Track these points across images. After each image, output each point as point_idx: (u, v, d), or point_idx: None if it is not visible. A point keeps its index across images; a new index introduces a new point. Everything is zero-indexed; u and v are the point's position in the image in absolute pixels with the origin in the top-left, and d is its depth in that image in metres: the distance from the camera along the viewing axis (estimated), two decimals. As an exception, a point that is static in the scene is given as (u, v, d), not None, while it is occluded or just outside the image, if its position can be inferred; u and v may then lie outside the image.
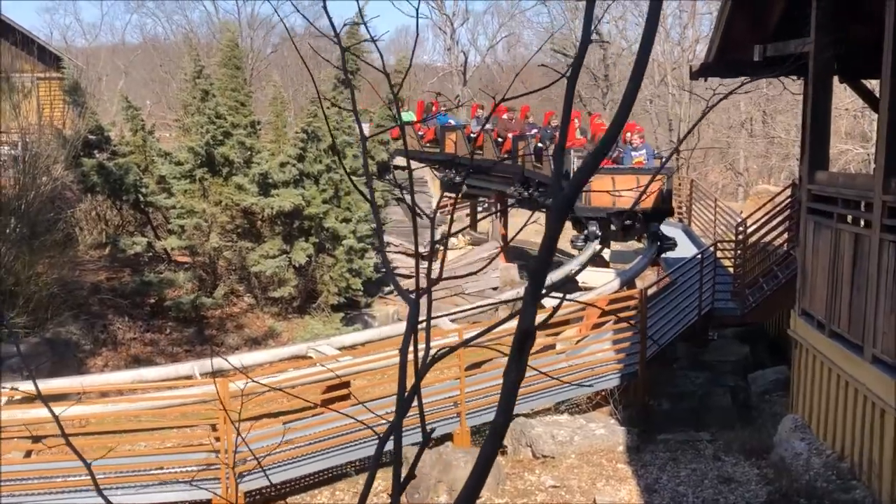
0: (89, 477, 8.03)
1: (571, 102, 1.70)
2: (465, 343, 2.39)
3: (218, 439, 10.13)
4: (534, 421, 11.71)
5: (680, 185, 23.61)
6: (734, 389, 13.06)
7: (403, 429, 8.04)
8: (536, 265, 1.70)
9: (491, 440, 1.71)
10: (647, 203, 17.25)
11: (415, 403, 1.90)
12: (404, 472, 2.09)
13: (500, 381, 7.66)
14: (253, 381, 2.80)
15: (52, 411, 2.59)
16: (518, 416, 11.79)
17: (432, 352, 2.21)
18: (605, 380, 12.54)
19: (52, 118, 20.35)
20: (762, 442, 11.03)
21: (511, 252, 24.05)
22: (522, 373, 1.69)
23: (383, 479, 11.03)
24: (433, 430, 1.95)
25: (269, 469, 10.08)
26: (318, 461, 10.61)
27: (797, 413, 10.22)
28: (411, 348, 2.03)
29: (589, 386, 12.24)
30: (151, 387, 11.14)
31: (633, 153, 17.83)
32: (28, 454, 10.67)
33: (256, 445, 9.97)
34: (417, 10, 2.37)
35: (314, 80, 2.68)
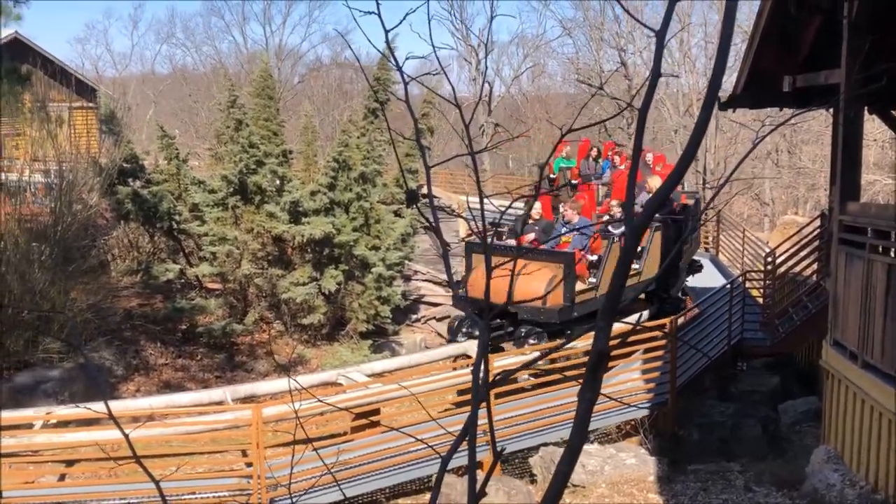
0: (123, 502, 8.12)
1: (643, 133, 1.79)
2: (526, 366, 2.47)
3: (250, 464, 10.20)
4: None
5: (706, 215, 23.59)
6: (764, 420, 12.98)
7: (435, 456, 7.98)
8: (611, 288, 1.80)
9: (567, 459, 1.79)
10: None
11: (483, 422, 1.98)
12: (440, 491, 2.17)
13: (523, 410, 7.72)
14: (319, 399, 2.89)
15: (123, 432, 2.70)
16: (547, 444, 11.80)
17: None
18: (636, 409, 12.52)
19: (88, 147, 20.68)
20: (794, 473, 10.97)
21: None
22: (597, 393, 1.78)
23: (414, 506, 11.09)
24: (503, 448, 2.03)
25: (300, 495, 10.13)
26: (349, 488, 10.63)
27: (829, 444, 10.17)
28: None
29: (629, 410, 12.32)
30: (184, 412, 11.25)
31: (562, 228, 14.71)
32: (62, 478, 10.78)
33: (285, 472, 10.02)
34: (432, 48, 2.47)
35: (384, 112, 2.80)
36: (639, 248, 14.82)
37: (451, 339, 14.54)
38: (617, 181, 16.69)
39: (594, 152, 17.83)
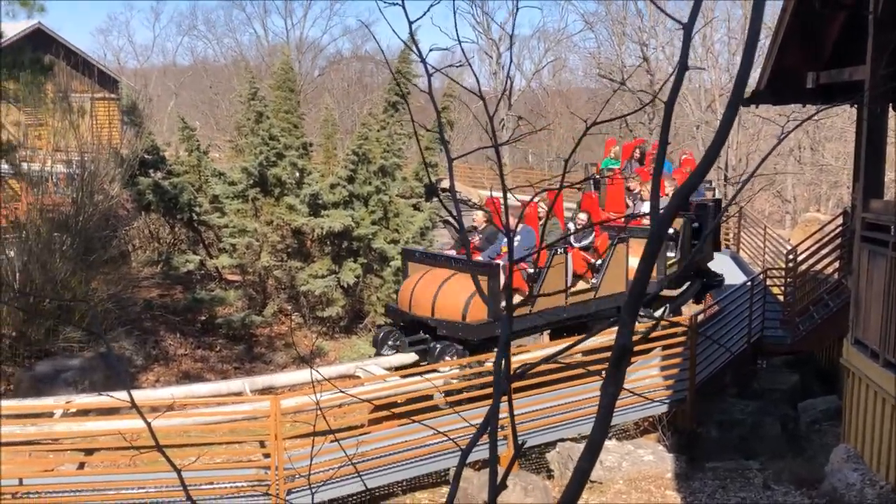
0: (142, 490, 8.17)
1: (669, 127, 1.78)
2: (547, 359, 2.46)
3: (267, 455, 10.24)
4: (581, 445, 11.67)
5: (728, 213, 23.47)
6: (784, 418, 12.92)
7: (453, 450, 8.00)
8: (635, 283, 1.78)
9: (587, 455, 1.78)
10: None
11: (505, 415, 1.98)
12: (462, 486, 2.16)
13: (541, 405, 7.64)
14: (341, 390, 2.89)
15: (146, 420, 2.70)
16: (565, 440, 11.79)
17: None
18: (654, 406, 12.48)
19: (110, 138, 20.80)
20: (813, 472, 10.91)
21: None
22: (620, 388, 1.76)
23: (429, 499, 11.10)
24: (524, 441, 2.02)
25: (319, 486, 10.15)
26: (365, 480, 10.64)
27: (849, 443, 10.11)
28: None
29: (648, 406, 12.26)
30: (203, 402, 11.29)
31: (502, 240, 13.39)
32: (81, 466, 10.86)
33: (302, 464, 10.05)
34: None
35: (408, 104, 2.79)
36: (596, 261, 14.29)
37: (378, 352, 13.22)
38: (609, 190, 15.86)
39: (637, 153, 17.30)
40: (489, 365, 11.96)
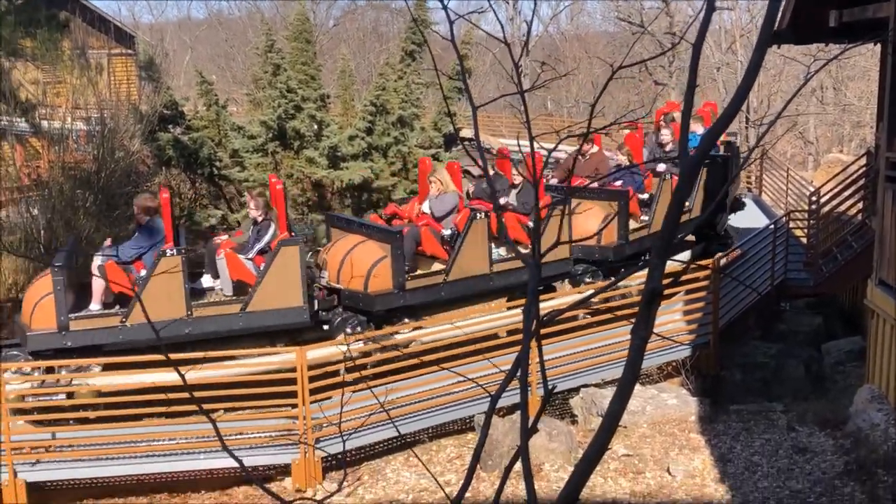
0: (172, 442, 8.31)
1: (697, 68, 1.78)
2: (575, 306, 2.48)
3: (295, 406, 10.38)
4: (605, 391, 11.76)
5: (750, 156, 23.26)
6: (807, 360, 12.95)
7: (479, 397, 8.06)
8: (665, 226, 1.80)
9: (618, 398, 1.81)
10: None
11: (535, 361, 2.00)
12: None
13: (564, 351, 7.62)
14: (370, 339, 2.92)
15: (180, 373, 2.76)
16: (588, 386, 11.87)
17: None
18: (677, 350, 12.52)
19: (129, 94, 20.81)
20: (837, 413, 10.96)
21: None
22: (650, 331, 1.78)
23: (455, 446, 11.22)
24: (554, 386, 2.06)
25: (348, 434, 10.28)
26: (392, 429, 10.75)
27: (874, 384, 10.13)
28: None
29: (671, 350, 12.33)
30: (231, 354, 11.40)
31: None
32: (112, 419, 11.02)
33: (327, 413, 10.18)
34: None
35: (430, 51, 2.78)
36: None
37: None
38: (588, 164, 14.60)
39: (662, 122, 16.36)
40: (395, 339, 11.69)
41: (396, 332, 11.67)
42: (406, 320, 11.92)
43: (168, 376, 10.25)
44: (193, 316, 10.99)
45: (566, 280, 13.36)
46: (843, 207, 15.13)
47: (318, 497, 8.73)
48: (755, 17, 38.07)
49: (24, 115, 18.32)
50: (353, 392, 10.11)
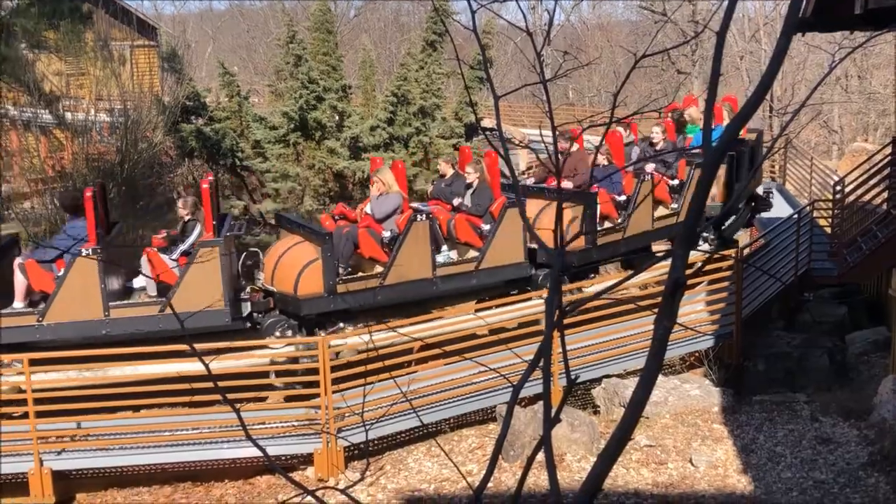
0: (196, 431, 8.36)
1: (721, 56, 1.76)
2: (597, 296, 2.48)
3: (317, 395, 10.42)
4: (627, 381, 11.75)
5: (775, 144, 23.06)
6: (831, 350, 12.87)
7: (500, 387, 8.04)
8: (689, 216, 1.79)
9: (642, 387, 1.80)
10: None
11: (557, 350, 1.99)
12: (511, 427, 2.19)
13: (586, 342, 7.55)
14: (394, 329, 2.93)
15: (204, 363, 2.76)
16: (610, 376, 11.85)
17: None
18: (700, 341, 12.47)
19: (151, 85, 20.92)
20: (861, 403, 10.90)
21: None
22: (673, 321, 1.78)
23: (476, 436, 11.24)
24: (577, 376, 2.05)
25: (370, 424, 10.32)
26: (414, 419, 10.79)
27: (899, 374, 10.06)
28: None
29: (694, 340, 12.27)
30: (254, 345, 11.46)
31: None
32: (137, 409, 11.11)
33: (350, 403, 10.22)
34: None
35: (452, 40, 2.78)
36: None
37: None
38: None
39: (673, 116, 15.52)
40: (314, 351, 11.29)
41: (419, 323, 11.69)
42: (342, 325, 11.59)
43: (192, 366, 10.35)
44: (111, 317, 10.81)
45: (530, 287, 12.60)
46: (867, 197, 14.99)
47: (341, 486, 8.77)
48: (779, 4, 37.75)
49: (47, 107, 18.47)
50: (377, 382, 10.14)
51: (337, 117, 18.72)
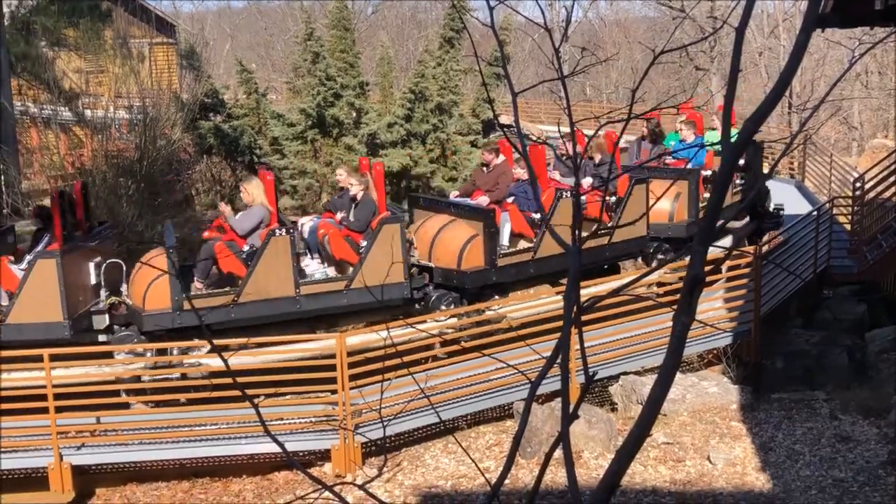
0: (214, 427, 8.39)
1: (740, 53, 1.76)
2: (615, 292, 2.47)
3: (334, 392, 10.45)
4: (645, 378, 11.71)
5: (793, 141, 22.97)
6: (850, 348, 12.78)
7: (517, 384, 8.01)
8: (707, 212, 1.78)
9: (660, 384, 1.80)
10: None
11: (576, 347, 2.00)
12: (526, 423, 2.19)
13: (605, 338, 7.50)
14: (412, 325, 2.94)
15: (224, 360, 2.78)
16: (628, 374, 11.82)
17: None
18: (718, 338, 12.42)
19: (170, 83, 21.03)
20: (881, 401, 10.84)
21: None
22: (692, 318, 1.77)
23: (493, 433, 11.24)
24: (595, 372, 2.05)
25: (388, 420, 10.32)
26: (431, 415, 10.78)
27: (919, 372, 10.00)
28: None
29: (712, 338, 12.18)
30: (272, 341, 11.50)
31: None
32: (156, 404, 11.19)
33: (366, 400, 10.22)
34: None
35: (471, 36, 2.79)
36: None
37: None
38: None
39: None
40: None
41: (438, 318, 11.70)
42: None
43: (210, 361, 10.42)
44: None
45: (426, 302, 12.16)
46: (888, 193, 14.89)
47: (358, 482, 8.80)
48: (798, 0, 37.52)
49: (67, 104, 18.61)
50: (394, 378, 10.15)
51: (354, 114, 18.75)
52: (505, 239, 12.36)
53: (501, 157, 13.01)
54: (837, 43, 31.64)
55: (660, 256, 13.41)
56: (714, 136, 14.72)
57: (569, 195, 11.74)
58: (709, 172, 14.07)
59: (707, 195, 13.71)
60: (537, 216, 12.40)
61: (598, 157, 13.33)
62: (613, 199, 12.96)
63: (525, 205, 12.55)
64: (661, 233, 13.49)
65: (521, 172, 12.61)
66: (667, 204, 13.35)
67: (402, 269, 11.56)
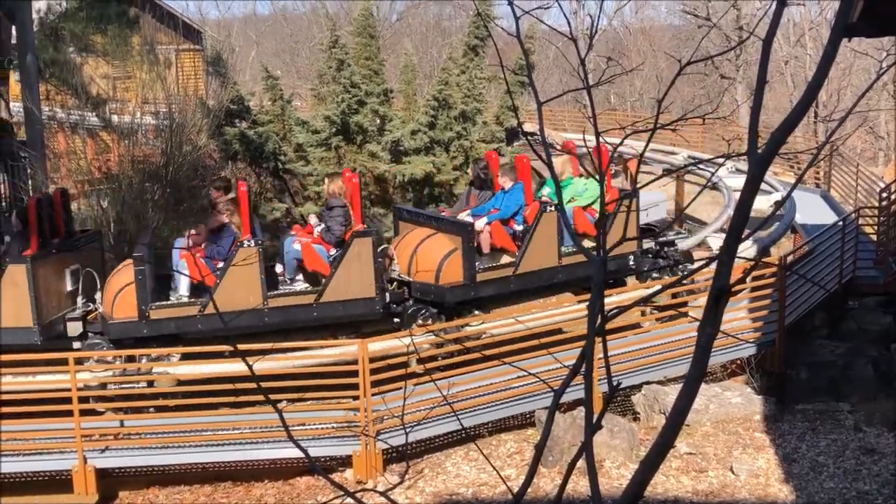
0: (237, 431, 8.41)
1: (767, 64, 1.76)
2: (641, 301, 2.48)
3: (356, 398, 10.47)
4: (668, 388, 11.66)
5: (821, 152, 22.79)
6: (876, 359, 12.65)
7: (540, 392, 7.99)
8: (733, 223, 1.79)
9: (685, 395, 1.80)
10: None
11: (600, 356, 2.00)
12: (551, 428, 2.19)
13: (627, 347, 7.49)
14: (434, 333, 2.95)
15: (248, 364, 2.80)
16: (650, 383, 11.77)
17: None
18: (742, 348, 12.35)
19: (196, 89, 21.17)
20: (907, 414, 10.73)
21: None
22: (717, 328, 1.78)
23: (515, 441, 11.22)
24: (619, 382, 2.06)
25: (411, 427, 10.33)
26: (453, 422, 10.77)
27: (946, 385, 9.89)
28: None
29: (735, 348, 12.05)
30: (293, 346, 11.55)
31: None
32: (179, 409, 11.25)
33: (388, 406, 10.23)
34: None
35: (496, 44, 2.79)
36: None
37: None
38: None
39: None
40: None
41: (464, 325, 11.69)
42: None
43: (234, 367, 10.47)
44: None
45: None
46: (915, 204, 14.77)
47: (380, 489, 8.81)
48: (824, 9, 37.29)
49: (94, 110, 18.76)
50: (416, 385, 10.16)
51: (378, 121, 18.83)
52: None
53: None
54: (864, 53, 31.44)
55: (419, 322, 11.64)
56: (580, 182, 12.88)
57: (250, 244, 11.18)
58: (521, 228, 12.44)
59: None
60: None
61: (508, 185, 12.28)
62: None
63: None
64: (425, 294, 11.79)
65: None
66: (436, 260, 11.65)
67: (372, 285, 11.40)
